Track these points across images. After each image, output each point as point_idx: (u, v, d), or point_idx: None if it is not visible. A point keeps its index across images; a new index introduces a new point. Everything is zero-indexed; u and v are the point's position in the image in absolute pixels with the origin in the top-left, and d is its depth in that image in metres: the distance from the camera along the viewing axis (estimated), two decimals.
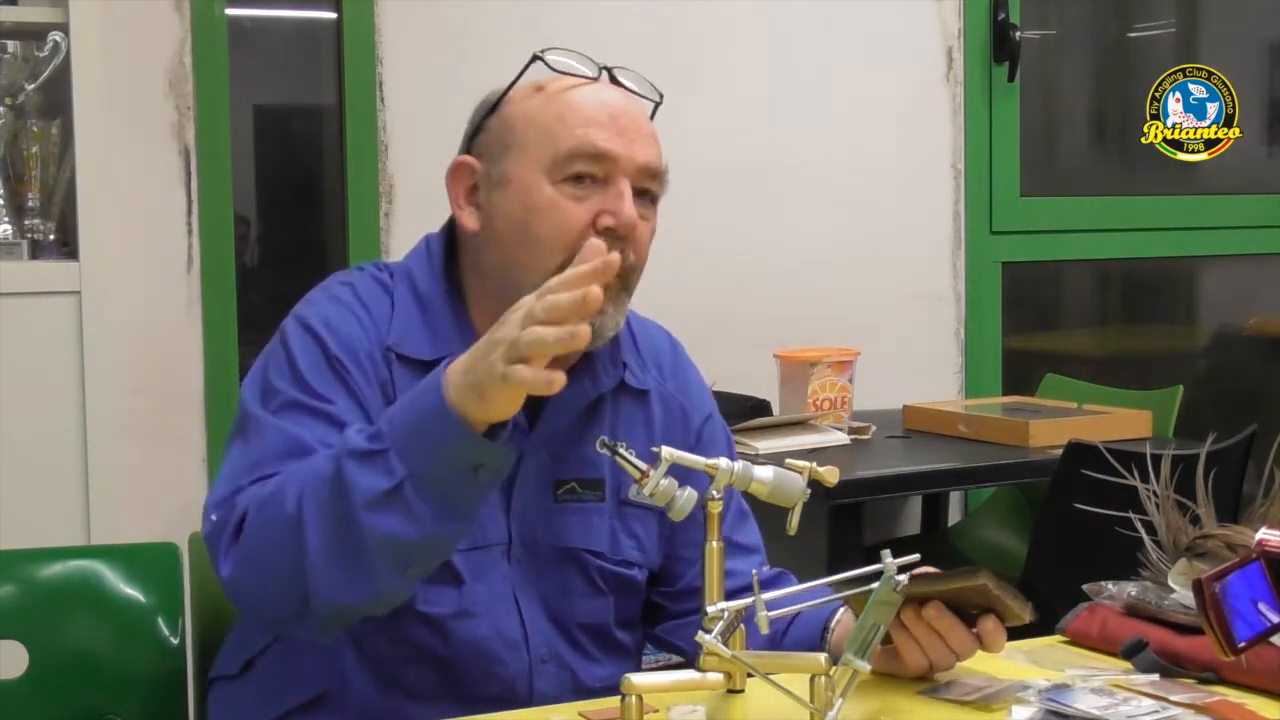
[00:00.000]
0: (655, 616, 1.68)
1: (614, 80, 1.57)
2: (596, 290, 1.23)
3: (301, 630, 1.43)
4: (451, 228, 1.61)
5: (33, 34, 2.53)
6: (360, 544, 1.31)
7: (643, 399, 1.64)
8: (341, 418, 1.44)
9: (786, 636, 1.54)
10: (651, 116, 1.61)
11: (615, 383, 1.60)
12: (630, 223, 1.51)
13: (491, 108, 1.57)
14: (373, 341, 1.51)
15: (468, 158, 1.57)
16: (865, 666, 1.25)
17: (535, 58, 1.54)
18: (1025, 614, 1.38)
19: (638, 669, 1.65)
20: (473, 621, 1.50)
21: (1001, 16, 3.60)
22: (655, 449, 1.36)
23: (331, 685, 1.50)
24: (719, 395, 2.92)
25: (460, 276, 1.58)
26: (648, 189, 1.56)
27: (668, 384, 1.67)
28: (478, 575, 1.51)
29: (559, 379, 1.24)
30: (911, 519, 3.53)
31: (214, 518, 1.42)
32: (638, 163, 1.54)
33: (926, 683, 1.42)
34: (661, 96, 1.62)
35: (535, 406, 1.53)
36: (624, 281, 1.51)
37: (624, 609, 1.62)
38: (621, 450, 1.37)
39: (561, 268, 1.43)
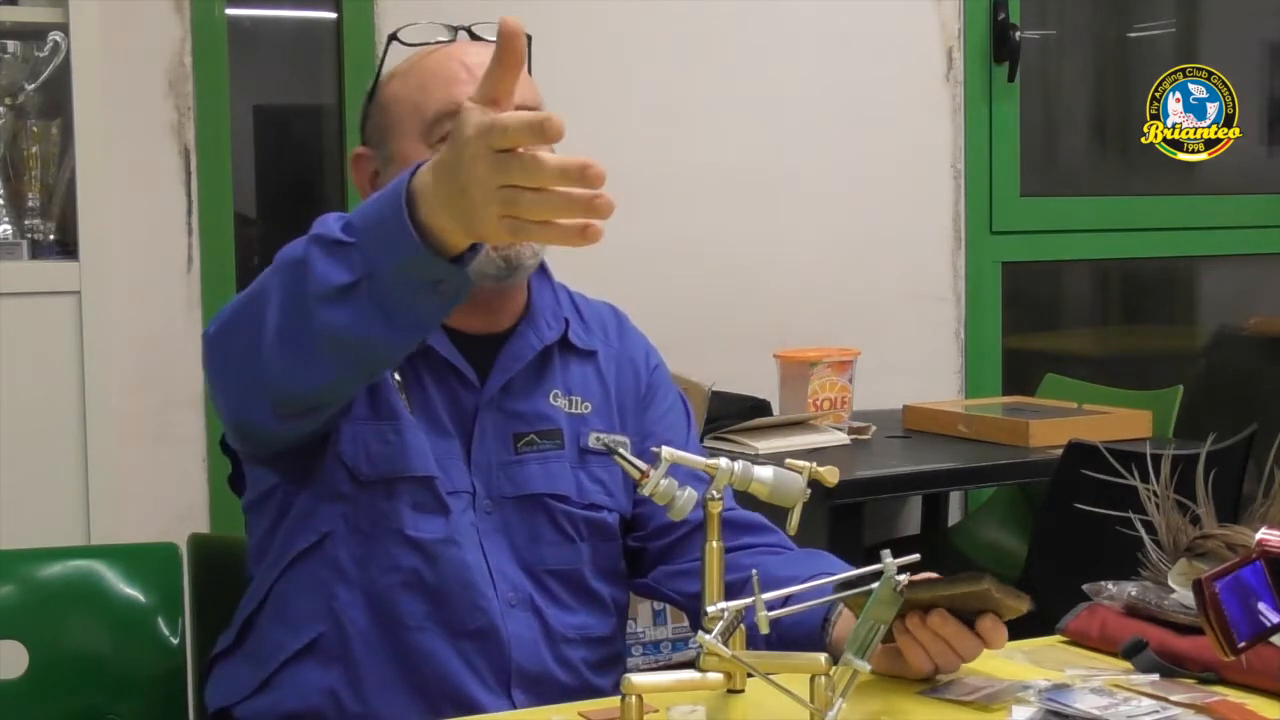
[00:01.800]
0: (640, 564, 1.71)
1: (474, 37, 1.62)
2: (556, 120, 1.12)
3: (256, 411, 1.44)
4: None
5: (33, 34, 2.53)
6: (310, 331, 1.30)
7: (591, 358, 1.69)
8: None
9: (786, 622, 1.55)
10: (529, 62, 1.60)
11: (558, 335, 1.65)
12: None
13: (369, 97, 1.66)
14: None
15: (362, 149, 1.67)
16: (865, 666, 1.25)
17: (391, 38, 1.62)
18: (1023, 605, 1.39)
19: (620, 622, 1.69)
20: (459, 549, 1.54)
21: (1001, 16, 3.60)
22: (655, 449, 1.36)
23: (327, 626, 1.53)
24: (719, 395, 2.96)
25: None
26: None
27: (614, 344, 1.73)
28: (458, 511, 1.56)
29: (594, 231, 1.13)
30: (911, 519, 3.53)
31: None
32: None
33: (927, 683, 1.42)
34: (529, 38, 1.60)
35: (483, 362, 1.60)
36: None
37: (599, 556, 1.65)
38: (622, 451, 1.38)
39: None
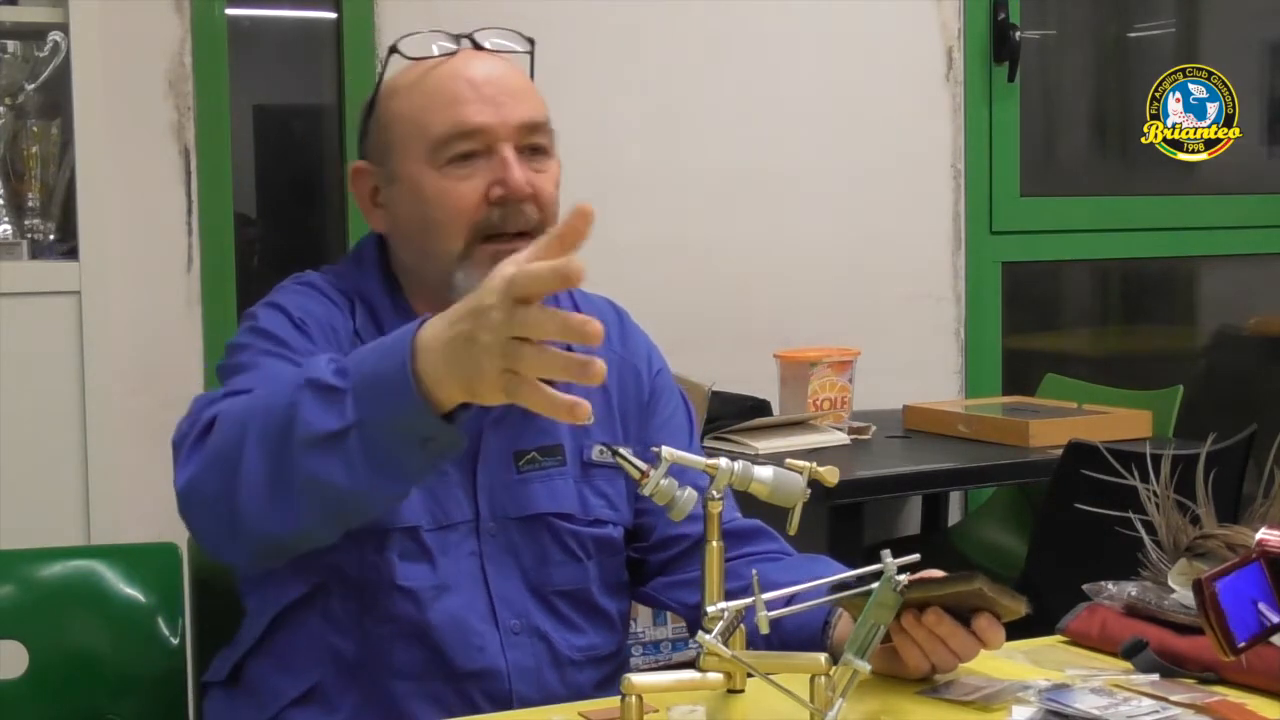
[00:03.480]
0: (640, 574, 1.69)
1: (477, 46, 1.57)
2: (576, 264, 1.14)
3: (235, 556, 1.43)
4: None
5: (33, 34, 2.52)
6: (293, 477, 1.27)
7: None
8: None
9: (788, 622, 1.54)
10: (531, 67, 1.61)
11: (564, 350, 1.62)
12: (519, 188, 1.52)
13: (369, 110, 1.61)
14: (342, 323, 1.54)
15: (361, 163, 1.62)
16: (865, 667, 1.25)
17: (392, 50, 1.56)
18: (1020, 607, 1.38)
19: (624, 637, 1.67)
20: (448, 595, 1.52)
21: (1001, 16, 3.60)
22: (655, 449, 1.36)
23: (323, 675, 1.51)
24: (719, 395, 2.96)
25: (395, 271, 1.61)
26: (534, 143, 1.55)
27: (617, 349, 1.69)
28: (445, 551, 1.53)
29: (583, 409, 1.15)
30: (911, 519, 3.53)
31: (184, 426, 1.41)
32: (513, 125, 1.53)
33: (926, 683, 1.42)
34: (532, 43, 1.60)
35: None
36: (534, 238, 1.52)
37: (606, 571, 1.63)
38: (622, 451, 1.38)
39: (466, 248, 1.50)
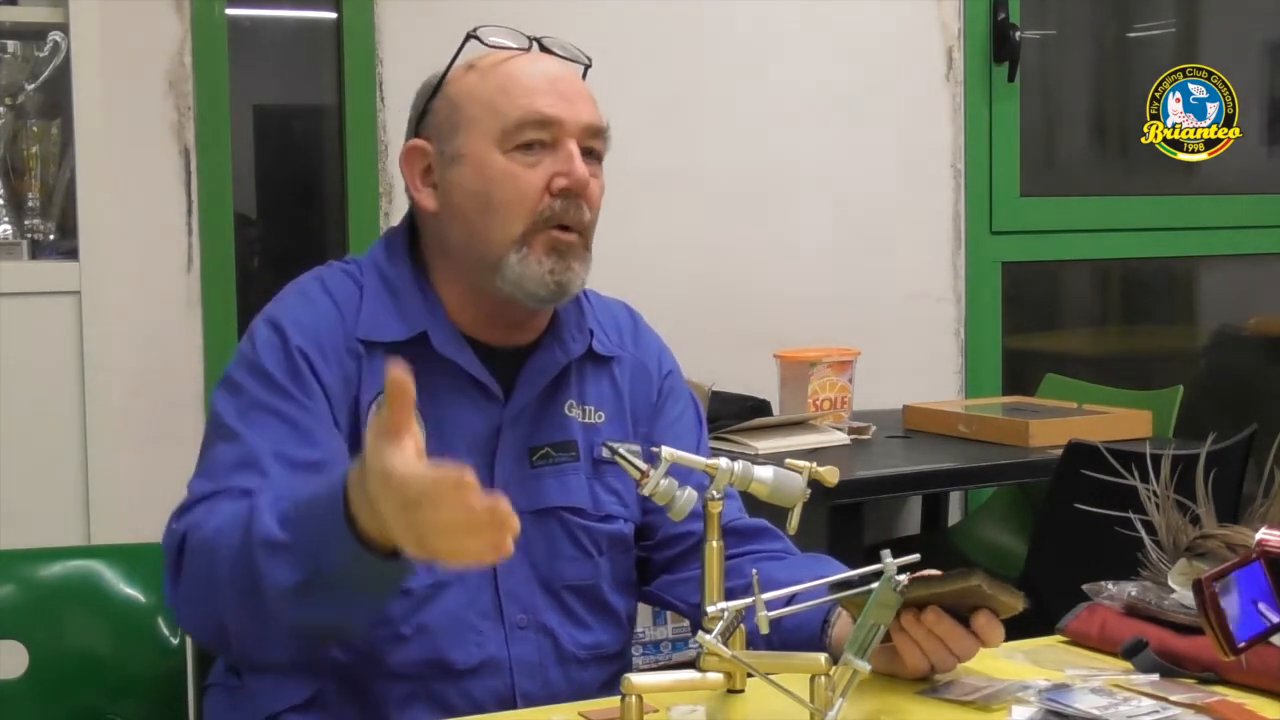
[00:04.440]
0: (645, 573, 1.70)
1: (544, 49, 1.61)
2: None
3: (232, 659, 1.54)
4: (411, 219, 1.65)
5: (33, 34, 2.53)
6: (282, 625, 1.37)
7: (606, 365, 1.67)
8: (299, 420, 1.48)
9: (787, 625, 1.55)
10: (584, 78, 1.65)
11: (584, 348, 1.64)
12: (582, 180, 1.55)
13: (434, 90, 1.62)
14: (340, 333, 1.55)
15: (419, 141, 1.62)
16: (865, 666, 1.25)
17: (470, 36, 1.59)
18: (1018, 603, 1.38)
19: (629, 635, 1.68)
20: (447, 592, 1.52)
21: (1001, 16, 3.60)
22: (655, 449, 1.36)
23: (324, 685, 1.51)
24: (719, 395, 2.95)
25: (426, 258, 1.62)
26: (593, 148, 1.60)
27: (630, 349, 1.70)
28: None
29: (506, 549, 1.18)
30: (911, 519, 3.53)
31: (173, 526, 1.48)
32: (582, 123, 1.57)
33: (926, 683, 1.42)
34: (590, 60, 1.66)
35: (509, 377, 1.58)
36: (584, 239, 1.57)
37: (616, 568, 1.64)
38: (622, 451, 1.38)
39: (524, 234, 1.52)
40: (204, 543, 1.41)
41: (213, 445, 1.51)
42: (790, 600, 1.38)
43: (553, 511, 1.59)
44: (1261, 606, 1.23)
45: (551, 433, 1.60)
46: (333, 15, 3.08)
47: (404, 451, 1.19)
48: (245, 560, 1.35)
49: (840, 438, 2.95)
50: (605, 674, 1.61)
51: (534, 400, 1.59)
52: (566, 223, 1.55)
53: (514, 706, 1.53)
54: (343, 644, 1.49)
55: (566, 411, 1.61)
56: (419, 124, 1.63)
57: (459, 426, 1.56)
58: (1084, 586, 1.60)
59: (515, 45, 1.60)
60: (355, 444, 1.51)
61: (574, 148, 1.55)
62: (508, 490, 1.54)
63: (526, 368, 1.59)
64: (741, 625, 1.37)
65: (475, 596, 1.54)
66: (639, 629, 3.06)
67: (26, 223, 2.56)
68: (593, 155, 1.59)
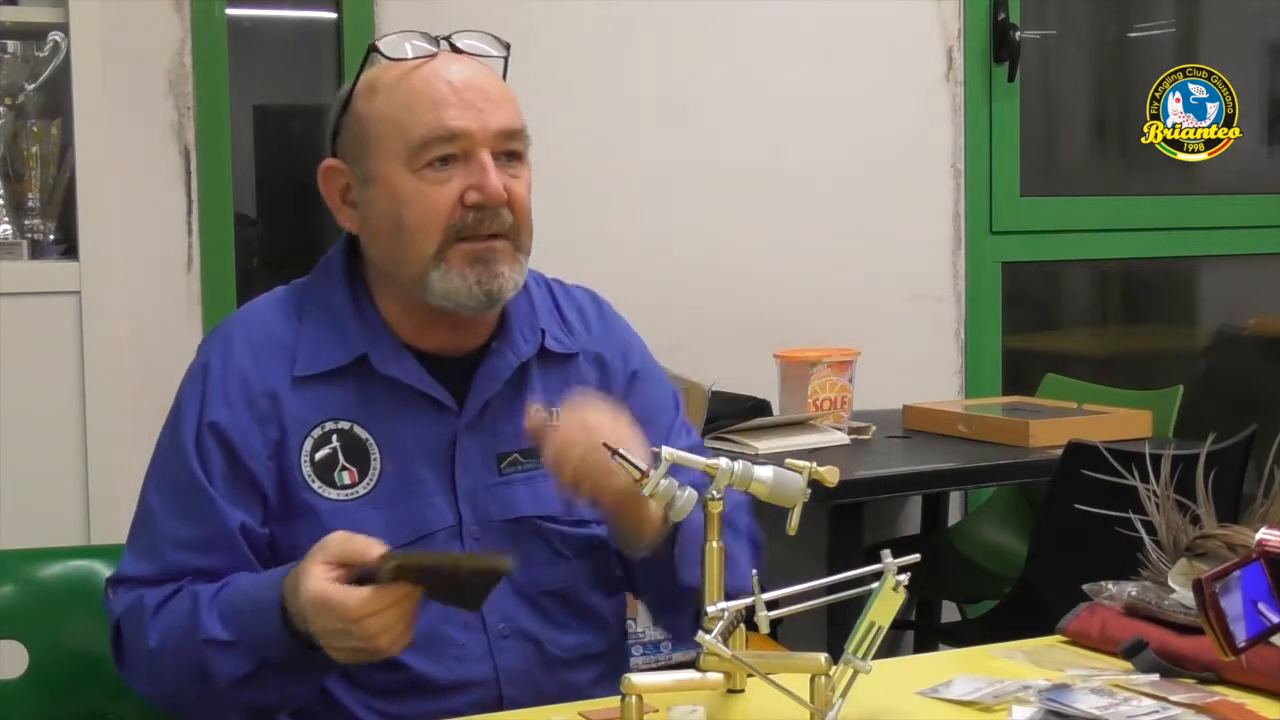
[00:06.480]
0: (628, 571, 1.66)
1: (455, 49, 1.56)
2: None
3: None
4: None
5: (33, 34, 2.52)
6: (229, 704, 1.44)
7: (569, 363, 1.64)
8: (215, 500, 1.51)
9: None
10: (504, 71, 1.60)
11: (535, 349, 1.61)
12: (496, 195, 1.51)
13: (343, 107, 1.58)
14: (263, 380, 1.54)
15: (333, 161, 1.59)
16: (866, 666, 1.25)
17: (371, 49, 1.55)
18: (506, 565, 1.36)
19: (618, 635, 1.67)
20: (425, 609, 1.49)
21: (1001, 16, 3.60)
22: (655, 449, 1.36)
23: (308, 704, 1.51)
24: (719, 395, 2.95)
25: (365, 274, 1.61)
26: (511, 149, 1.55)
27: (594, 343, 1.67)
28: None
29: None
30: (911, 519, 3.53)
31: (111, 602, 1.54)
32: (492, 131, 1.53)
33: (926, 683, 1.42)
34: (508, 47, 1.60)
35: (458, 384, 1.56)
36: (513, 241, 1.54)
37: (594, 570, 1.62)
38: (623, 451, 1.38)
39: (439, 250, 1.50)
40: (144, 640, 1.47)
41: (144, 516, 1.56)
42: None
43: (527, 520, 1.58)
44: (1261, 606, 1.23)
45: (518, 439, 1.57)
46: (333, 15, 3.08)
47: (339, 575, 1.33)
48: (192, 654, 1.42)
49: (840, 438, 2.95)
50: (595, 672, 1.60)
51: (496, 406, 1.57)
52: (484, 232, 1.52)
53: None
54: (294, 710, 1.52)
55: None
56: (334, 141, 1.60)
57: (413, 443, 1.54)
58: (1084, 586, 1.60)
59: (416, 56, 1.54)
60: (285, 487, 1.52)
61: (486, 158, 1.51)
62: (475, 499, 1.55)
63: (478, 374, 1.57)
64: (742, 625, 1.37)
65: (452, 614, 1.51)
66: (639, 629, 3.06)
67: (26, 223, 2.56)
68: (513, 157, 1.56)
